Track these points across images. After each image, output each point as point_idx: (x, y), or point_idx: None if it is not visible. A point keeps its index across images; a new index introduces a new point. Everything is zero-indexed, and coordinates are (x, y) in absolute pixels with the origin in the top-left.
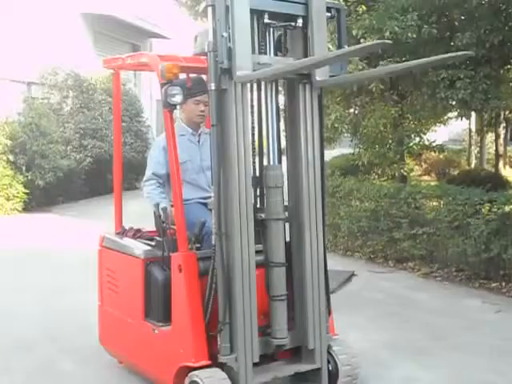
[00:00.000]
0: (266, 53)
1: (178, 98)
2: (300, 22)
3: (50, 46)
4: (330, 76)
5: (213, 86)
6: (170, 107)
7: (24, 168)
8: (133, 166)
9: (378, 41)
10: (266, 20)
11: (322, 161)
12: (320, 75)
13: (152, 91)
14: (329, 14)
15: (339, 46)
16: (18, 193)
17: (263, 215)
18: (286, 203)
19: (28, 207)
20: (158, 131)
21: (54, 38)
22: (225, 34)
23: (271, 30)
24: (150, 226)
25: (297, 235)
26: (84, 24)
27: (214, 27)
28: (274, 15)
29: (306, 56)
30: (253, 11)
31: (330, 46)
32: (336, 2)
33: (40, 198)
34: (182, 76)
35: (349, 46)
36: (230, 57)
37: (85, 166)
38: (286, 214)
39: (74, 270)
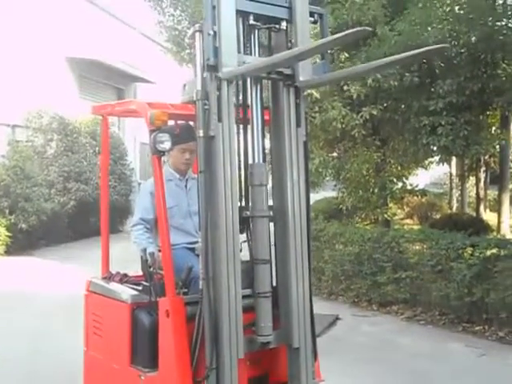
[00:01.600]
0: (250, 53)
1: (166, 145)
2: (284, 24)
3: (35, 89)
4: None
5: (201, 133)
6: (158, 153)
7: (7, 211)
8: (116, 209)
9: (359, 28)
10: (252, 21)
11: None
12: (303, 76)
13: (136, 134)
14: (312, 19)
15: (321, 53)
16: (0, 236)
17: (248, 213)
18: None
19: (10, 250)
20: (142, 174)
21: (39, 81)
22: (211, 32)
23: (256, 31)
24: (134, 269)
25: (282, 277)
26: (69, 68)
27: (201, 76)
28: (258, 17)
29: (290, 64)
30: (238, 12)
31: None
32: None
33: (23, 241)
34: (170, 123)
35: (331, 91)
36: (216, 54)
37: (68, 209)
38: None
39: (57, 315)
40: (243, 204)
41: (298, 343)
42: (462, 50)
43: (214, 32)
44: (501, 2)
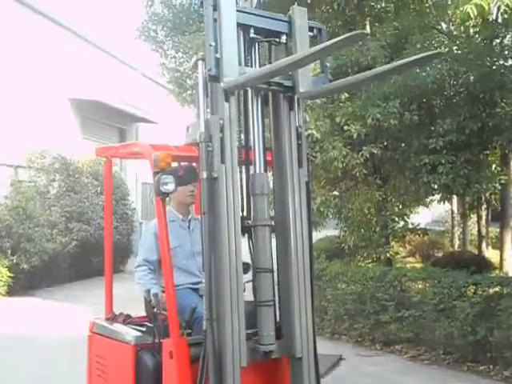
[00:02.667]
0: (251, 65)
1: (170, 187)
2: (284, 38)
3: (38, 129)
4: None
5: (204, 175)
6: (162, 195)
7: (9, 251)
8: (118, 249)
9: (357, 31)
10: (252, 34)
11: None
12: (303, 87)
13: (137, 174)
14: (311, 34)
15: (321, 65)
16: (2, 276)
17: (250, 222)
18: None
19: (12, 291)
20: (143, 214)
21: (42, 121)
22: (213, 43)
23: (256, 44)
24: (136, 310)
25: (287, 318)
26: (71, 109)
27: (205, 117)
28: (259, 30)
29: (291, 72)
30: (239, 25)
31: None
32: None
33: (24, 282)
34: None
35: (332, 130)
36: (217, 65)
37: (70, 250)
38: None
39: (59, 357)
40: (245, 214)
41: (301, 353)
42: (461, 89)
43: (216, 43)
44: (498, 41)
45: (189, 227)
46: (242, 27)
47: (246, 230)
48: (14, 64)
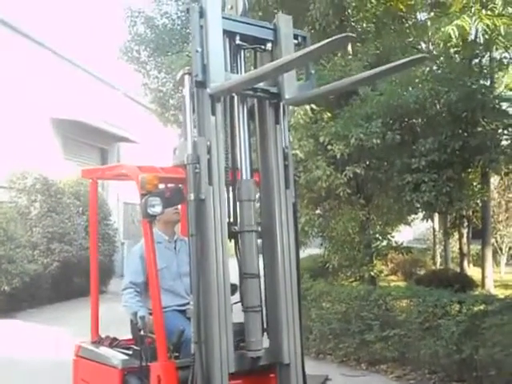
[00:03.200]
0: (237, 72)
1: (157, 209)
2: (269, 45)
3: (20, 149)
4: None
5: (192, 197)
6: (149, 217)
7: None
8: (100, 270)
9: (343, 34)
10: (238, 41)
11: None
12: (289, 93)
13: (119, 194)
14: (296, 41)
15: (306, 72)
16: None
17: (237, 228)
18: None
19: None
20: (125, 234)
21: (23, 142)
22: (199, 49)
23: (242, 51)
24: (118, 332)
25: (274, 324)
26: (53, 129)
27: (192, 139)
28: (245, 37)
29: (276, 79)
30: (225, 32)
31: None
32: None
33: (5, 304)
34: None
35: (315, 150)
36: (204, 71)
37: (52, 270)
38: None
39: (44, 381)
40: (231, 220)
41: (289, 359)
42: (443, 109)
43: (202, 49)
44: (477, 61)
45: (175, 248)
46: (228, 34)
47: (233, 235)
48: None
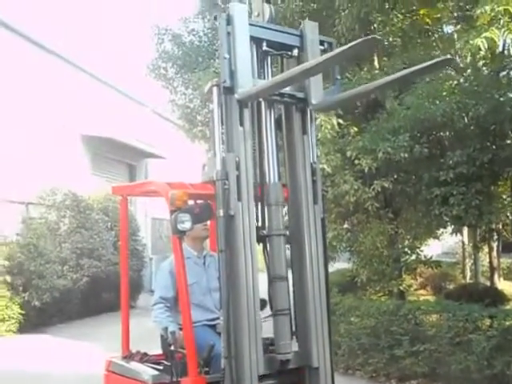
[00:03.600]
0: (264, 78)
1: (187, 225)
2: (296, 52)
3: (49, 166)
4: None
5: (221, 213)
6: (179, 233)
7: (21, 288)
8: (129, 285)
9: (368, 37)
10: (265, 47)
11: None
12: (315, 99)
13: (147, 210)
14: (322, 47)
15: (333, 77)
16: (13, 314)
17: (265, 231)
18: None
19: (23, 328)
20: (153, 249)
21: (53, 158)
22: (227, 56)
23: (269, 57)
24: (147, 346)
25: (303, 328)
26: (82, 145)
27: (220, 155)
28: (271, 44)
29: (302, 83)
30: (252, 38)
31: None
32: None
33: (35, 319)
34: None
35: (343, 165)
36: (232, 77)
37: (81, 286)
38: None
39: None
40: (259, 224)
41: (318, 363)
42: (471, 122)
43: (230, 56)
44: (505, 73)
45: (204, 263)
46: (255, 40)
47: (262, 239)
48: (27, 102)
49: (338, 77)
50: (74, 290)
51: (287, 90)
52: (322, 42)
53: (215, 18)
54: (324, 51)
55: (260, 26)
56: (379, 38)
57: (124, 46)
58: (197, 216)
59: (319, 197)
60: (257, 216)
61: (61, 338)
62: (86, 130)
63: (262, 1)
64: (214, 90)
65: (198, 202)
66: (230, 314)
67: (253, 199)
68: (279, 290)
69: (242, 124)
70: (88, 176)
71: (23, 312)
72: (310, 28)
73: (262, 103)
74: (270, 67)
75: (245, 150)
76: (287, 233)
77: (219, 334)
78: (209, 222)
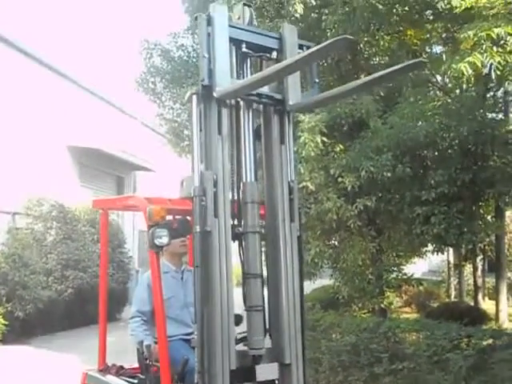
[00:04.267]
0: (243, 79)
1: (164, 240)
2: (274, 54)
3: (36, 176)
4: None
5: (198, 229)
6: (156, 248)
7: (4, 299)
8: (114, 297)
9: (340, 36)
10: (244, 49)
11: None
12: (293, 100)
13: (134, 222)
14: (300, 51)
15: (311, 80)
16: None
17: (241, 229)
18: None
19: (6, 339)
20: (140, 261)
21: (40, 169)
22: (206, 55)
23: (248, 59)
24: (128, 360)
25: (276, 324)
26: (70, 156)
27: (199, 171)
28: (251, 45)
29: (281, 85)
30: (232, 40)
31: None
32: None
33: (19, 330)
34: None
35: (326, 182)
36: (210, 75)
37: (65, 297)
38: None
39: None
40: (235, 222)
41: (290, 359)
42: (453, 142)
43: (209, 55)
44: (492, 94)
45: (182, 278)
46: (235, 42)
47: (237, 236)
48: (14, 111)
49: (316, 80)
50: (59, 302)
51: (265, 91)
52: (300, 46)
53: (196, 19)
54: None
55: (240, 28)
56: (351, 38)
57: (114, 58)
58: (174, 231)
59: (296, 215)
60: (232, 214)
61: (43, 349)
62: (73, 141)
63: (243, 4)
64: (194, 98)
65: (177, 217)
66: (204, 328)
67: (229, 216)
68: (253, 287)
69: (220, 130)
70: (76, 187)
71: (6, 323)
72: (289, 31)
73: (241, 106)
74: (250, 69)
75: (223, 167)
76: (262, 230)
77: (194, 348)
78: (187, 240)
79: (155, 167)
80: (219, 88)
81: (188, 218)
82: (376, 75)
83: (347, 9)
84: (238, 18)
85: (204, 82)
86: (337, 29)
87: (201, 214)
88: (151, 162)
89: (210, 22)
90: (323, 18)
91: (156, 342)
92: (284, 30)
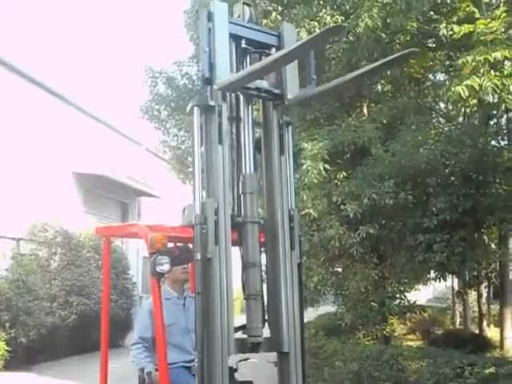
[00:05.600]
0: None
1: (165, 267)
2: (273, 51)
3: (41, 202)
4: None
5: (199, 256)
6: (157, 275)
7: (8, 325)
8: (118, 324)
9: (335, 25)
10: (244, 45)
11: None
12: (291, 93)
13: (138, 248)
14: None
15: (309, 76)
16: None
17: (240, 219)
18: None
19: (9, 365)
20: (144, 288)
21: (45, 195)
22: (207, 49)
23: (248, 55)
24: None
25: (275, 313)
26: (75, 182)
27: (201, 199)
28: (250, 42)
29: (280, 80)
30: (231, 35)
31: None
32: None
33: (22, 356)
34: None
35: (329, 210)
36: (211, 69)
37: (69, 323)
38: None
39: None
40: (235, 212)
41: (288, 348)
42: (455, 170)
43: (210, 50)
44: (495, 121)
45: (184, 304)
46: (234, 38)
47: (237, 226)
48: (20, 138)
49: (314, 76)
50: (62, 328)
51: (264, 85)
52: None
53: (197, 12)
54: None
55: (239, 25)
56: (346, 25)
57: (120, 86)
58: (176, 258)
59: (296, 243)
60: (232, 204)
61: (46, 376)
62: (78, 168)
63: (243, 3)
64: (195, 110)
65: (178, 244)
66: (204, 356)
67: (230, 243)
68: (252, 275)
69: (220, 140)
70: (80, 213)
71: (9, 349)
72: (288, 29)
73: (242, 125)
74: (249, 65)
75: (223, 194)
76: (261, 221)
77: (195, 375)
78: (188, 267)
79: (160, 193)
80: (219, 80)
81: (189, 245)
82: (371, 66)
83: (351, 38)
84: (238, 17)
85: (205, 75)
86: (340, 57)
87: (202, 242)
88: (156, 188)
89: (210, 17)
90: (327, 46)
91: (157, 369)
92: (283, 28)
